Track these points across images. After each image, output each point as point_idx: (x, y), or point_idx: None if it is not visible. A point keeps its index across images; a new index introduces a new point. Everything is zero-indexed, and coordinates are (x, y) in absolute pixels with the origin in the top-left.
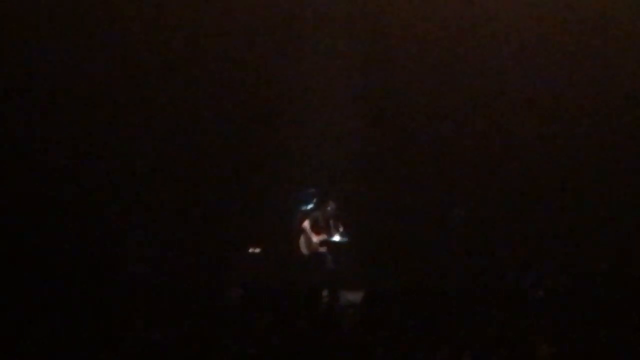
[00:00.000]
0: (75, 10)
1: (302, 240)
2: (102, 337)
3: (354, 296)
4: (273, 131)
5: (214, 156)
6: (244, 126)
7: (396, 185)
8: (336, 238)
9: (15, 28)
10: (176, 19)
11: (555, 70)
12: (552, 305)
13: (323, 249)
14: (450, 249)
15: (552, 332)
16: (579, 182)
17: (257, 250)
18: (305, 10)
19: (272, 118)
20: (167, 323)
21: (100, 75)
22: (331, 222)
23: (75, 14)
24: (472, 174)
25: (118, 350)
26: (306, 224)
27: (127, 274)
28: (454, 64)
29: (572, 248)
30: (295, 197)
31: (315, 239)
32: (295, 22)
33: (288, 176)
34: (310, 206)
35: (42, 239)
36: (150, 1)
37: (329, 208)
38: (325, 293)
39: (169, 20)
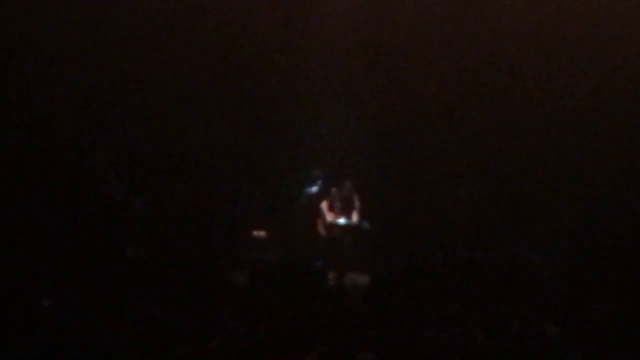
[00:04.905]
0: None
1: (319, 221)
2: (107, 319)
3: (361, 278)
4: (281, 113)
5: (219, 139)
6: (250, 108)
7: (409, 166)
8: (353, 219)
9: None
10: (183, 17)
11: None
12: (559, 286)
13: (339, 231)
14: (458, 230)
15: (559, 312)
16: (588, 169)
17: (262, 233)
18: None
19: (281, 100)
20: (174, 305)
21: (106, 71)
22: (348, 202)
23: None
24: (481, 155)
25: (123, 331)
26: (323, 204)
27: (130, 258)
28: (463, 54)
29: (580, 229)
30: (301, 179)
31: (331, 219)
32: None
33: (294, 158)
34: (315, 188)
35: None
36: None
37: (345, 188)
38: (331, 275)
39: (176, 17)
